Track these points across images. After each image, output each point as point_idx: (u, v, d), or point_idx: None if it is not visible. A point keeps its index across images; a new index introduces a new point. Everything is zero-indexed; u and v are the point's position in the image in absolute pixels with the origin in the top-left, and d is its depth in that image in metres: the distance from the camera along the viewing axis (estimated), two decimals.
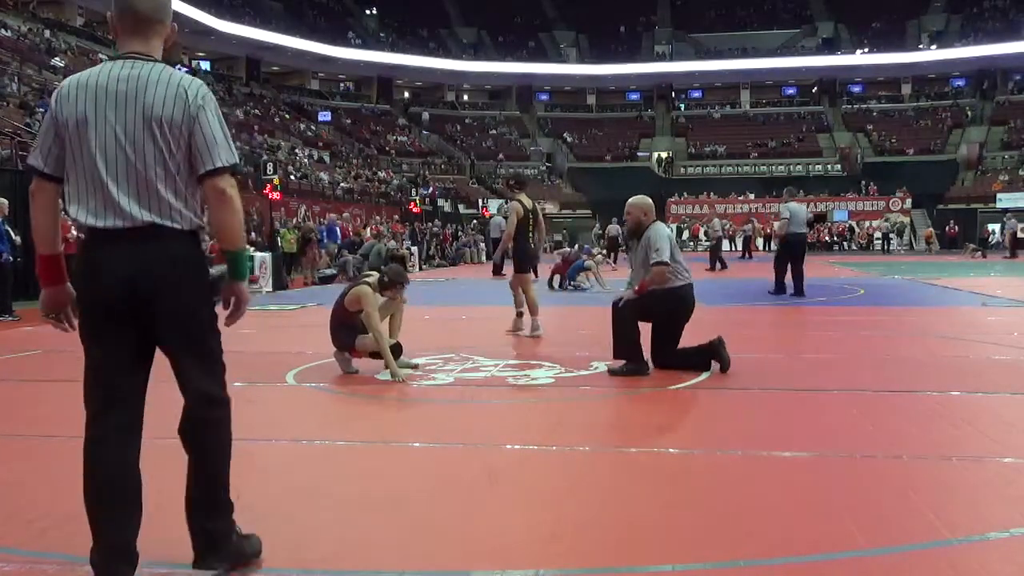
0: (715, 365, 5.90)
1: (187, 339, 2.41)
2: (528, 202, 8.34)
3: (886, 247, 36.72)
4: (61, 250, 2.48)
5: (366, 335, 6.02)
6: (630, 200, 6.22)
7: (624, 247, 5.37)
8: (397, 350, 6.04)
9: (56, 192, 2.42)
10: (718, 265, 20.96)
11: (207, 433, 2.46)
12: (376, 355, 6.02)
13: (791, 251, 12.45)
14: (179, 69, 2.47)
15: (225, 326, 2.49)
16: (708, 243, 22.47)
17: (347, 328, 6.04)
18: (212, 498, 2.46)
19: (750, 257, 29.97)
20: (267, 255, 15.98)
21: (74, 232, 11.64)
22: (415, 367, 6.27)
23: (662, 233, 5.95)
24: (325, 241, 20.32)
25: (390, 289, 6.13)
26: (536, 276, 8.59)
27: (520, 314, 8.42)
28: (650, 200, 6.27)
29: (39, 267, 2.46)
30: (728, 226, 38.05)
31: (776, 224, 14.73)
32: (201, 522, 2.46)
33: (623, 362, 5.93)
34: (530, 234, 8.35)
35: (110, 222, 2.32)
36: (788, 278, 12.39)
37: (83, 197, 2.35)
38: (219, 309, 2.49)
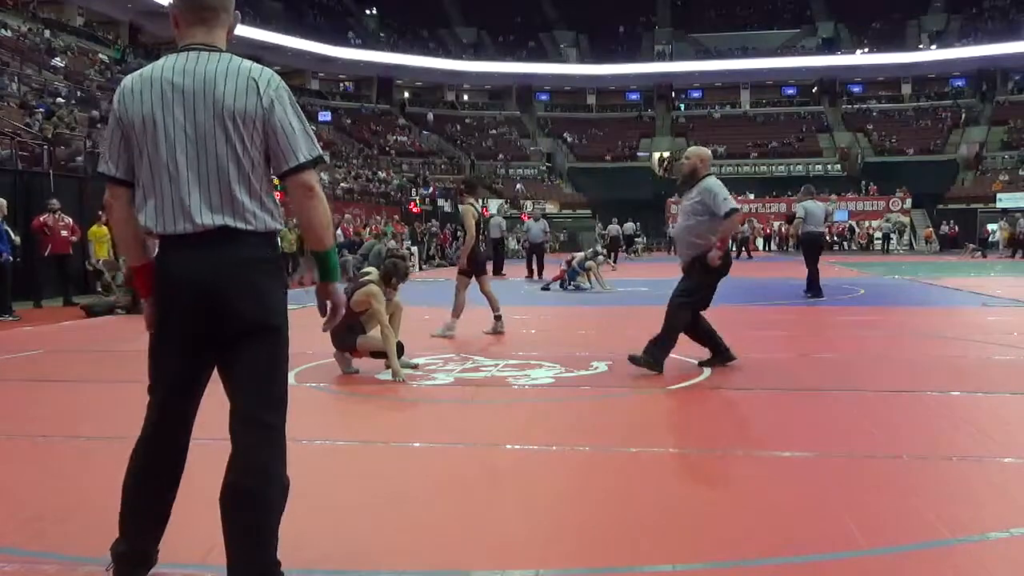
0: (708, 369, 5.99)
1: (253, 354, 2.21)
2: (479, 206, 8.42)
3: (886, 247, 36.70)
4: (152, 258, 2.31)
5: (367, 335, 6.03)
6: (690, 148, 6.41)
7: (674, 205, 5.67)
8: (399, 350, 6.04)
9: (130, 198, 2.28)
10: None
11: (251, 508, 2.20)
12: (377, 355, 6.03)
13: (806, 249, 12.37)
14: None
15: (322, 331, 2.35)
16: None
17: (349, 328, 6.05)
18: (254, 544, 2.19)
19: (749, 257, 29.96)
20: None
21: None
22: (415, 367, 6.28)
23: (720, 184, 6.02)
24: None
25: (393, 283, 6.17)
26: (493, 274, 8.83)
27: (498, 316, 8.43)
28: (709, 152, 6.39)
29: (136, 279, 2.36)
30: None
31: (793, 223, 14.61)
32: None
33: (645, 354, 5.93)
34: (481, 236, 8.46)
35: (180, 227, 2.18)
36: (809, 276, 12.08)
37: (151, 201, 2.21)
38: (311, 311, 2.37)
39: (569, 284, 14.78)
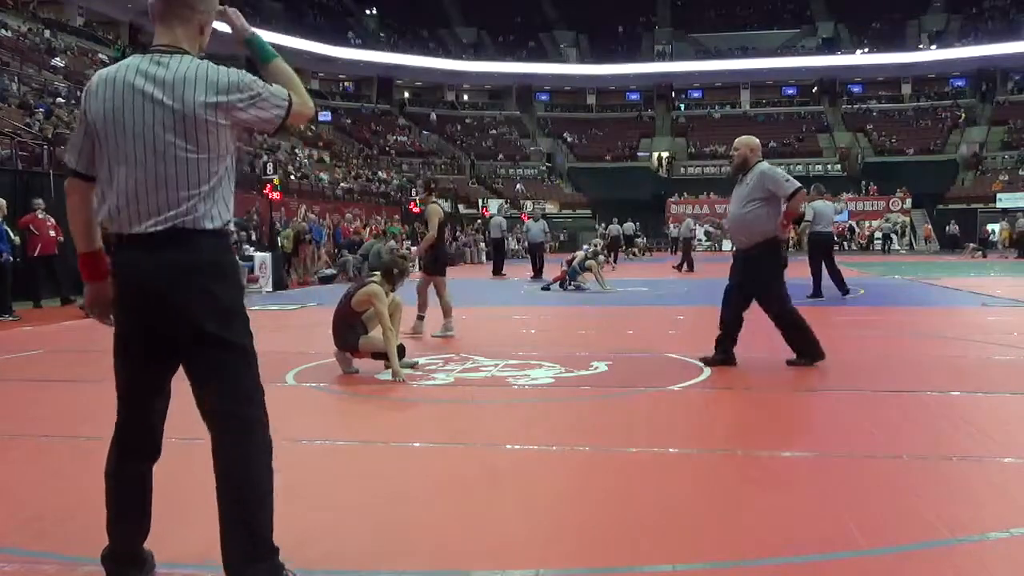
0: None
1: (214, 356, 2.26)
2: (445, 205, 8.40)
3: (887, 247, 36.69)
4: (99, 246, 2.41)
5: (369, 336, 6.03)
6: (739, 138, 6.47)
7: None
8: (400, 351, 6.04)
9: (89, 190, 2.35)
10: (685, 266, 20.62)
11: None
12: (378, 355, 6.03)
13: (817, 250, 12.28)
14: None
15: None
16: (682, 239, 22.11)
17: (351, 328, 6.06)
18: (244, 544, 2.24)
19: None
20: (267, 255, 15.99)
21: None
22: (414, 365, 6.28)
23: (776, 168, 6.27)
24: (323, 240, 20.33)
25: (395, 280, 6.19)
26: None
27: (421, 317, 8.39)
28: (758, 140, 6.55)
29: (80, 264, 2.41)
30: (728, 225, 38.04)
31: (800, 226, 14.60)
32: (235, 570, 2.24)
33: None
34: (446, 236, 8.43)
35: (133, 228, 2.23)
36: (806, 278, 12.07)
37: (109, 200, 2.26)
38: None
39: (569, 284, 14.78)
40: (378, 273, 6.37)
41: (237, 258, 2.43)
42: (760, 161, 6.28)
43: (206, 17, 2.37)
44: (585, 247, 16.40)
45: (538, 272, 18.55)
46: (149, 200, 2.23)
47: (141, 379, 2.33)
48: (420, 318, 8.38)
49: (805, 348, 6.14)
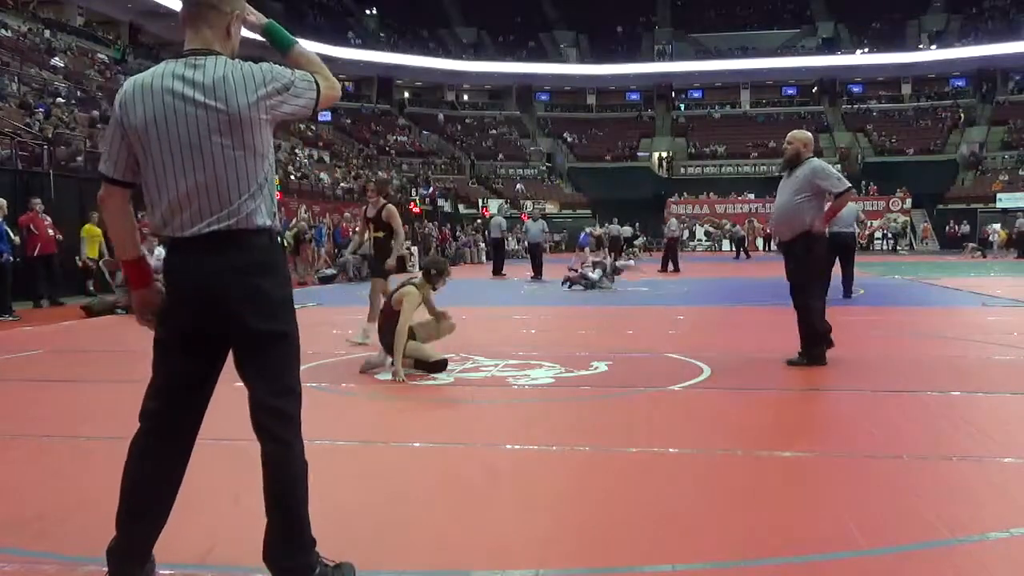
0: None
1: (263, 353, 2.30)
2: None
3: (895, 247, 36.70)
4: (143, 252, 2.43)
5: (415, 343, 6.06)
6: (792, 132, 6.59)
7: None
8: (442, 364, 6.03)
9: (126, 197, 2.35)
10: (670, 266, 20.46)
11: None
12: (419, 364, 6.03)
13: (835, 251, 11.67)
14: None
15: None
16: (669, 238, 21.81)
17: (392, 326, 6.07)
18: (288, 534, 2.32)
19: (748, 257, 29.96)
20: None
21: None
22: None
23: (828, 165, 6.35)
24: (323, 240, 20.33)
25: (434, 280, 6.20)
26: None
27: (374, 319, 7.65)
28: (811, 135, 6.70)
29: (125, 270, 2.43)
30: (728, 226, 38.04)
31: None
32: (278, 561, 2.31)
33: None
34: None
35: (186, 231, 2.25)
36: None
37: (160, 206, 2.28)
38: None
39: (606, 279, 14.78)
40: (419, 276, 6.38)
41: (280, 250, 2.46)
42: (812, 157, 6.39)
43: (233, 18, 2.38)
44: (605, 230, 16.28)
45: (538, 272, 18.54)
46: (201, 203, 2.25)
47: (187, 374, 2.34)
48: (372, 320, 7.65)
49: (809, 350, 6.16)
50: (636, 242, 34.99)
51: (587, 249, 24.04)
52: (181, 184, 2.25)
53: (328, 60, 2.85)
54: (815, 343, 6.19)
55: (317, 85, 2.38)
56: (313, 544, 2.37)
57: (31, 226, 11.99)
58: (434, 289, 6.24)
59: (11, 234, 11.36)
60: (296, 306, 2.48)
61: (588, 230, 26.28)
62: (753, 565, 2.59)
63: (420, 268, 6.39)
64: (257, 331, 2.27)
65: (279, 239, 2.43)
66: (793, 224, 6.22)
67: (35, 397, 5.56)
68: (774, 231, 6.79)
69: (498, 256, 21.09)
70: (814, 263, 6.29)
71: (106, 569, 2.34)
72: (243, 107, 2.23)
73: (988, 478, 3.51)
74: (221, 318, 2.27)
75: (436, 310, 6.27)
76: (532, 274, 18.58)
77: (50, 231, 12.25)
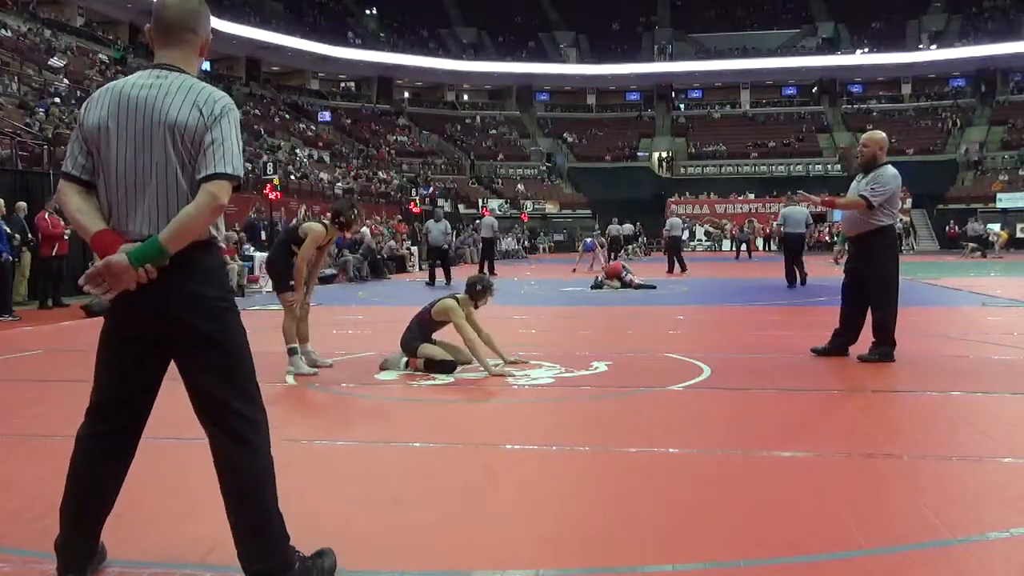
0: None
1: (210, 357, 2.32)
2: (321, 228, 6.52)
3: (904, 248, 36.70)
4: (104, 225, 2.32)
5: (427, 345, 6.15)
6: (868, 134, 6.66)
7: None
8: (451, 366, 6.07)
9: (80, 192, 2.36)
10: (677, 267, 20.21)
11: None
12: (430, 366, 6.06)
13: (787, 249, 15.35)
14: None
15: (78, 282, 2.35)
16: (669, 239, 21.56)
17: (421, 334, 6.19)
18: (253, 534, 2.32)
19: (749, 257, 29.97)
20: (267, 255, 15.94)
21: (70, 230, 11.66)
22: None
23: (890, 175, 6.35)
24: None
25: (477, 296, 6.28)
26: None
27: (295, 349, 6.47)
28: (885, 136, 6.72)
29: (95, 245, 2.36)
30: (728, 225, 38.08)
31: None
32: (249, 564, 2.31)
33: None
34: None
35: (134, 234, 2.27)
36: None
37: (111, 207, 2.32)
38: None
39: (628, 280, 15.08)
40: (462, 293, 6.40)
41: (224, 259, 2.46)
42: (887, 163, 6.41)
43: (204, 40, 2.45)
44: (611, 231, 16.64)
45: (445, 277, 17.41)
46: (139, 207, 2.29)
47: (131, 381, 2.38)
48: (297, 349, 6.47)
49: (883, 347, 6.23)
50: (631, 245, 34.94)
51: (597, 251, 24.21)
52: (121, 186, 2.29)
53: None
54: (890, 341, 6.25)
55: (234, 177, 2.27)
56: (287, 540, 2.37)
57: (50, 224, 11.92)
58: (475, 307, 6.29)
59: (11, 234, 11.35)
60: None
61: (590, 240, 25.97)
62: (753, 565, 2.59)
63: (465, 283, 6.43)
64: (198, 332, 2.29)
65: (218, 247, 2.40)
66: (860, 224, 6.33)
67: (35, 397, 5.57)
68: (845, 231, 6.86)
69: (488, 256, 20.92)
70: (889, 256, 6.36)
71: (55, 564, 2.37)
72: (183, 118, 2.26)
73: (988, 478, 3.50)
74: (160, 322, 2.29)
75: (477, 325, 6.25)
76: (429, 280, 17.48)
77: (66, 232, 12.25)
